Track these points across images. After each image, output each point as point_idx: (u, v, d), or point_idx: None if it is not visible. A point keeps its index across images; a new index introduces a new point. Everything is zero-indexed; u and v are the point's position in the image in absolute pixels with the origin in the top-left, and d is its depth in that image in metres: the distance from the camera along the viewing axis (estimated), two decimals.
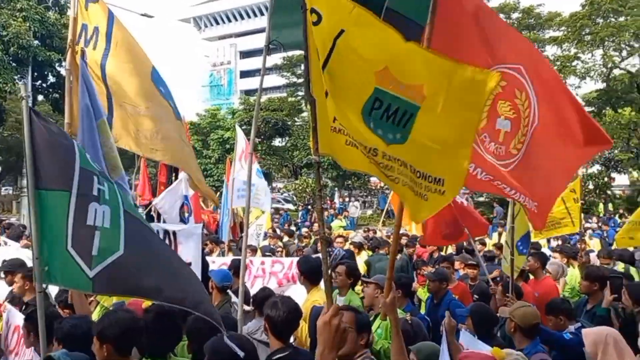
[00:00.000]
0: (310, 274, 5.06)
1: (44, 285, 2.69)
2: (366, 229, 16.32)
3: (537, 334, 4.24)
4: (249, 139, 8.16)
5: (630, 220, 8.87)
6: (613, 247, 9.91)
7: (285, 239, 13.38)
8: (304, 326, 4.33)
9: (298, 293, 5.36)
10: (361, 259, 9.26)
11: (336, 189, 33.92)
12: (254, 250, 9.76)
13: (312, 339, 3.58)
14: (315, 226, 16.32)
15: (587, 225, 16.38)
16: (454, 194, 2.95)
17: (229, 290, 5.35)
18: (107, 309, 4.11)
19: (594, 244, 13.71)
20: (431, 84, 2.73)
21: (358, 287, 5.74)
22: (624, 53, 25.74)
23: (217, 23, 71.26)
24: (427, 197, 2.85)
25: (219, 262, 6.90)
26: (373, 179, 37.73)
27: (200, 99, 62.95)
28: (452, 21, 3.31)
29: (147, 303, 3.52)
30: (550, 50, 28.28)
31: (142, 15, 23.10)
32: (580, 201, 8.71)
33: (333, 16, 2.63)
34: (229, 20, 69.97)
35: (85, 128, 3.75)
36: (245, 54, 66.59)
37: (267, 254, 9.77)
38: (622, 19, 25.12)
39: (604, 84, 26.09)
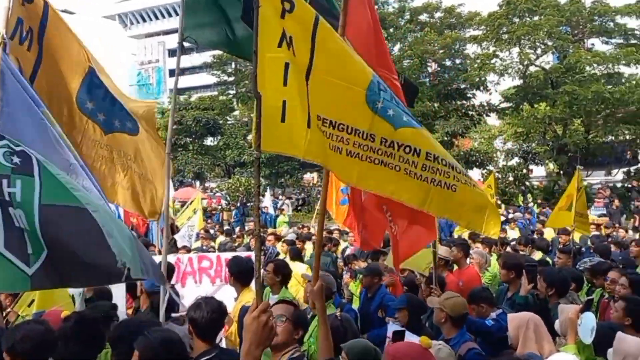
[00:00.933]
0: (240, 275, 5.06)
1: None
2: (300, 226, 16.44)
3: (465, 324, 4.45)
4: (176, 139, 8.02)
5: (557, 206, 9.52)
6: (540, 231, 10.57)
7: (222, 238, 13.25)
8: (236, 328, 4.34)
9: (230, 294, 5.36)
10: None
11: (269, 187, 33.84)
12: (188, 250, 9.65)
13: (241, 339, 3.61)
14: (251, 225, 16.24)
15: (510, 216, 17.30)
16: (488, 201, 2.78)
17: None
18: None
19: (515, 234, 14.43)
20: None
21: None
22: (539, 51, 27.14)
23: (144, 20, 69.15)
24: (456, 188, 2.68)
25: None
26: (306, 176, 37.96)
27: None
28: (361, 14, 3.43)
29: (65, 312, 3.45)
30: (471, 49, 29.48)
31: (63, 11, 22.04)
32: (495, 197, 9.26)
33: (303, 8, 2.61)
34: (156, 18, 68.10)
35: (29, 122, 3.46)
36: (174, 52, 64.78)
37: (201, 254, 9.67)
38: (536, 18, 26.40)
39: (521, 81, 27.40)
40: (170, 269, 6.15)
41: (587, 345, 3.45)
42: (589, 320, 3.48)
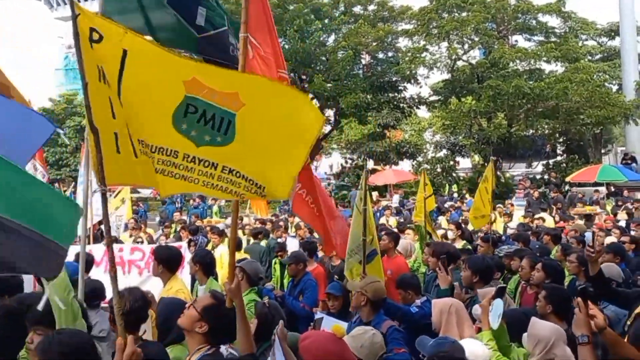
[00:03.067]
0: (167, 261, 5.00)
1: None
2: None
3: (382, 307, 4.61)
4: None
5: (474, 203, 9.83)
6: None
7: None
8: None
9: (158, 285, 5.27)
10: (224, 246, 9.30)
11: None
12: (116, 241, 9.38)
13: (159, 331, 3.55)
14: (177, 215, 15.97)
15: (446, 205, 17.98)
16: (274, 196, 3.17)
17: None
18: None
19: (440, 222, 14.95)
20: (247, 93, 2.89)
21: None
22: (466, 46, 28.07)
23: (65, 3, 65.73)
24: (244, 196, 3.10)
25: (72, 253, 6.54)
26: None
27: (54, 83, 57.70)
28: (261, 9, 3.48)
29: None
30: (403, 42, 30.07)
31: None
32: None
33: (112, 37, 2.63)
34: (84, 0, 64.97)
35: None
36: None
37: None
38: (464, 14, 27.27)
39: (449, 75, 28.28)
40: (89, 259, 5.98)
41: (501, 331, 3.66)
42: (497, 307, 3.69)
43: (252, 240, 10.74)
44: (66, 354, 2.43)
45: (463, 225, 10.85)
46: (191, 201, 21.81)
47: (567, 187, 22.96)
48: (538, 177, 27.64)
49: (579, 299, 3.18)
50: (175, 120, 2.88)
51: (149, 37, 3.50)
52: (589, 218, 14.51)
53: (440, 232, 11.35)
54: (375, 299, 4.53)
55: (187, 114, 2.89)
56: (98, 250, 6.67)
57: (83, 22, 2.54)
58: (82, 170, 9.92)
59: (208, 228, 11.20)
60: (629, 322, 3.92)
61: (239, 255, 7.30)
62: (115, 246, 7.31)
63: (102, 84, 2.65)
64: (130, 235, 11.60)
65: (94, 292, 4.54)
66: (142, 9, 3.91)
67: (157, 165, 2.98)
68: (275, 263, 8.52)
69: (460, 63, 28.05)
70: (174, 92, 2.85)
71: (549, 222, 13.50)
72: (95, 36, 2.58)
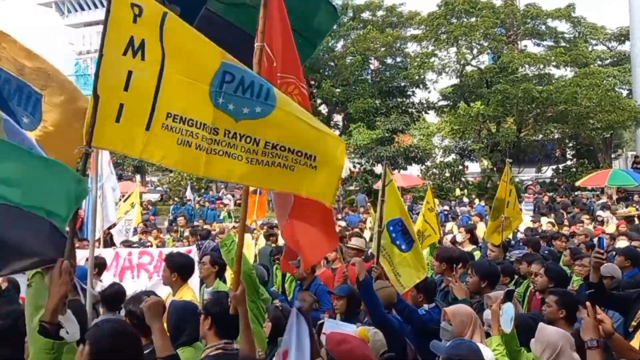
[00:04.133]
0: (180, 269, 4.96)
1: None
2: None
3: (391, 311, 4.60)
4: None
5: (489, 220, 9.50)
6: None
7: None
8: None
9: (166, 289, 5.28)
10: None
11: (213, 181, 33.39)
12: (129, 246, 9.47)
13: (171, 334, 3.57)
14: (181, 220, 15.97)
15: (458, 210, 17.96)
16: (330, 176, 3.07)
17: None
18: None
19: (450, 227, 14.89)
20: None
21: None
22: (475, 51, 28.06)
23: (82, 9, 66.13)
24: (294, 168, 2.99)
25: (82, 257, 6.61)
26: None
27: None
28: (277, 19, 3.49)
29: None
30: (411, 47, 30.11)
31: None
32: (435, 210, 9.43)
33: (151, 3, 2.82)
34: (95, 7, 65.22)
35: None
36: None
37: (136, 245, 9.54)
38: (473, 19, 27.28)
39: (458, 80, 28.24)
40: (100, 263, 6.01)
41: (512, 336, 3.64)
42: (509, 310, 3.68)
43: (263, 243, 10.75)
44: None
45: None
46: (197, 206, 21.89)
47: (576, 192, 22.84)
48: (547, 181, 27.49)
49: (588, 304, 3.18)
50: (212, 93, 2.88)
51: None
52: (630, 221, 14.11)
53: (449, 236, 11.32)
54: (386, 303, 4.54)
55: (223, 85, 2.87)
56: (107, 255, 6.72)
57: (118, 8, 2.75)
58: (91, 175, 10.02)
59: (219, 232, 11.19)
60: (634, 324, 3.89)
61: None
62: (124, 250, 7.40)
63: (126, 57, 2.78)
64: (140, 239, 11.65)
65: (117, 297, 4.57)
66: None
67: (198, 141, 2.92)
68: (276, 269, 8.39)
69: (469, 68, 28.03)
70: (211, 59, 2.88)
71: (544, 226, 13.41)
72: (136, 10, 2.76)
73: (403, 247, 5.70)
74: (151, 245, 10.57)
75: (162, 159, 2.98)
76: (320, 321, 4.33)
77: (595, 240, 9.25)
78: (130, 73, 2.81)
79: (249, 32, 3.83)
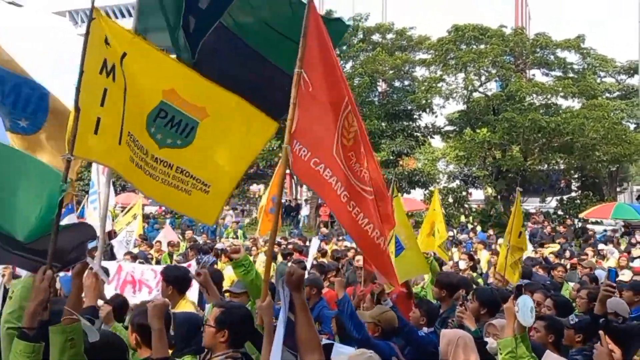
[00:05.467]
0: (176, 281, 4.93)
1: None
2: (251, 238, 16.28)
3: (393, 336, 4.52)
4: None
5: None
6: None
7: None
8: None
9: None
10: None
11: None
12: (134, 257, 9.51)
13: (176, 346, 3.54)
14: (189, 233, 15.97)
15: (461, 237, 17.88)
16: (216, 200, 3.74)
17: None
18: None
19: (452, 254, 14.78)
20: (213, 108, 3.55)
21: None
22: (483, 78, 28.19)
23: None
24: (190, 192, 3.63)
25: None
26: (252, 188, 37.71)
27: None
28: (319, 47, 3.55)
29: None
30: (420, 71, 30.26)
31: (9, 3, 21.26)
32: (441, 209, 9.47)
33: (116, 40, 3.21)
34: (108, 17, 66.25)
35: None
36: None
37: (141, 261, 9.51)
38: (482, 46, 27.47)
39: (465, 105, 28.32)
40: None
41: (524, 337, 3.56)
42: (526, 302, 3.57)
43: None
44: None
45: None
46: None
47: (579, 224, 22.70)
48: (551, 211, 27.38)
49: (602, 333, 3.16)
50: (147, 122, 3.42)
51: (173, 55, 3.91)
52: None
53: (451, 262, 11.25)
54: (388, 328, 4.49)
55: (157, 118, 3.43)
56: (111, 267, 6.71)
57: (98, 26, 3.13)
58: (99, 188, 9.99)
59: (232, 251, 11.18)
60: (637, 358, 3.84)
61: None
62: (128, 264, 7.41)
63: (102, 75, 3.13)
64: (140, 250, 11.62)
65: (121, 307, 4.56)
66: (170, 28, 4.00)
67: (135, 158, 3.43)
68: None
69: (476, 94, 28.13)
70: (153, 96, 3.40)
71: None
72: (109, 39, 3.16)
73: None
74: (152, 258, 10.55)
75: (123, 173, 3.44)
76: (325, 342, 4.26)
77: (599, 272, 9.19)
78: (105, 90, 3.15)
79: (258, 50, 4.01)
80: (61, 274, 5.63)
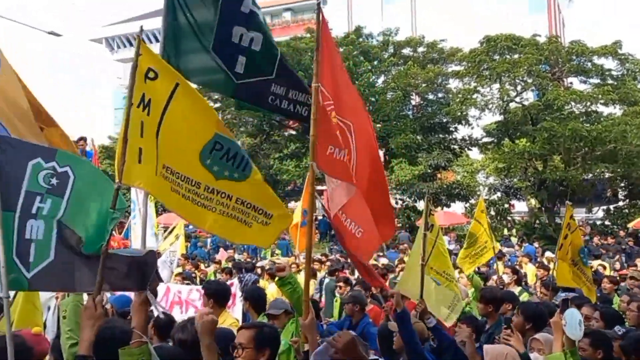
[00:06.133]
0: (215, 294, 5.08)
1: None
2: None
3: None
4: None
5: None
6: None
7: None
8: None
9: None
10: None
11: None
12: (183, 278, 9.76)
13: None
14: (230, 252, 16.18)
15: (505, 250, 17.55)
16: (276, 226, 3.82)
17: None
18: None
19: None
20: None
21: None
22: (519, 88, 27.75)
23: (131, 44, 69.18)
24: (251, 225, 3.71)
25: None
26: (291, 205, 37.95)
27: (113, 121, 60.64)
28: (331, 63, 3.71)
29: (36, 329, 3.62)
30: (453, 83, 30.00)
31: (49, 33, 22.16)
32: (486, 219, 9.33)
33: (168, 73, 3.31)
34: (149, 41, 68.35)
35: None
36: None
37: (186, 281, 9.71)
38: (516, 56, 27.08)
39: (502, 116, 27.91)
40: (153, 294, 6.17)
41: (574, 352, 3.48)
42: (574, 315, 3.50)
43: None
44: None
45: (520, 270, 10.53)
46: None
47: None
48: (599, 222, 26.56)
49: None
50: (202, 155, 3.51)
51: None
52: None
53: (495, 276, 11.04)
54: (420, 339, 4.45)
55: (213, 151, 3.51)
56: (159, 289, 6.89)
57: (144, 60, 3.20)
58: (137, 208, 10.29)
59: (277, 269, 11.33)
60: None
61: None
62: (176, 286, 7.61)
63: (139, 109, 3.25)
64: (184, 270, 11.84)
65: (169, 326, 4.66)
66: (198, 51, 4.14)
67: (181, 190, 3.52)
68: (336, 300, 8.44)
69: (512, 104, 27.70)
70: (207, 130, 3.49)
71: (608, 271, 12.91)
72: (152, 74, 3.23)
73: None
74: (196, 277, 10.73)
75: (164, 201, 3.57)
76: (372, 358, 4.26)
77: None
78: (142, 123, 3.29)
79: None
80: (107, 294, 5.83)
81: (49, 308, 5.58)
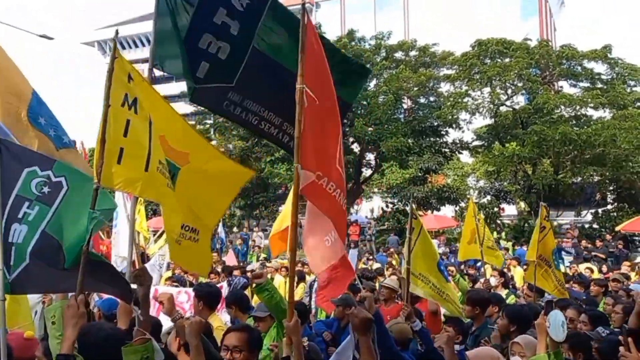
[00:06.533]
0: (207, 297, 5.12)
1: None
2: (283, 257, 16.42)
3: (407, 349, 4.52)
4: None
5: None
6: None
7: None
8: None
9: None
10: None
11: (244, 218, 33.73)
12: (174, 281, 9.73)
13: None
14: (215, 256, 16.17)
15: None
16: (204, 248, 3.88)
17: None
18: None
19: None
20: (195, 155, 3.76)
21: None
22: (509, 91, 27.94)
23: (123, 48, 68.95)
24: (181, 242, 3.73)
25: None
26: (281, 209, 37.97)
27: None
28: (315, 59, 3.68)
29: (29, 333, 3.72)
30: (445, 87, 30.15)
31: (41, 36, 22.05)
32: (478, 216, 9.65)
33: (136, 80, 3.40)
34: (136, 46, 67.91)
35: None
36: (155, 81, 64.76)
37: (175, 284, 9.68)
38: (507, 60, 27.27)
39: (492, 120, 28.06)
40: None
41: (557, 354, 3.51)
42: (557, 317, 3.54)
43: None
44: None
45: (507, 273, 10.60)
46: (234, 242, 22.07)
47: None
48: (587, 225, 26.73)
49: (630, 340, 3.13)
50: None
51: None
52: None
53: (482, 279, 11.11)
54: (399, 339, 4.46)
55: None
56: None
57: (120, 62, 3.29)
58: (128, 212, 10.18)
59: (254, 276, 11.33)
60: None
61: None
62: (163, 288, 7.58)
63: (124, 108, 3.29)
64: (173, 274, 11.78)
65: (155, 327, 4.67)
66: (182, 55, 4.19)
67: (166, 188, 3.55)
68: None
69: (503, 108, 27.86)
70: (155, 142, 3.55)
71: (596, 274, 13.02)
72: (132, 75, 3.36)
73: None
74: (185, 281, 10.71)
75: (155, 198, 3.57)
76: None
77: (634, 286, 8.94)
78: (128, 122, 3.31)
79: (290, 69, 4.11)
80: (95, 297, 5.83)
81: (36, 312, 5.55)
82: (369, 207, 40.56)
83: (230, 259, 15.23)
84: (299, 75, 3.47)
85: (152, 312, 6.59)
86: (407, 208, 27.38)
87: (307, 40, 3.57)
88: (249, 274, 11.04)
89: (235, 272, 11.30)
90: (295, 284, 3.60)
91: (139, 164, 3.39)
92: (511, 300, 8.35)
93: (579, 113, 26.88)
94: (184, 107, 43.17)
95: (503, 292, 8.84)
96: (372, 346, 3.02)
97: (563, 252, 18.31)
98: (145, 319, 3.24)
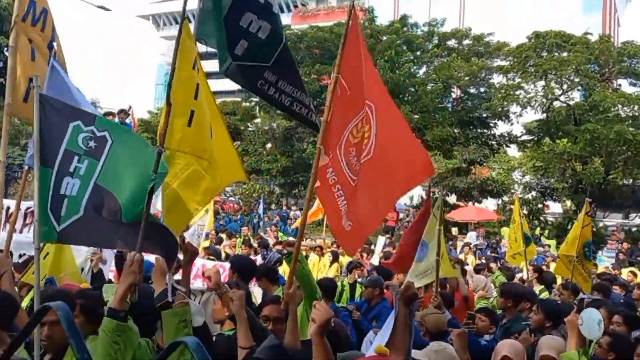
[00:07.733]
0: (241, 271, 5.24)
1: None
2: (311, 238, 16.57)
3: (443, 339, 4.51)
4: None
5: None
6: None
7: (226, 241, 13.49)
8: None
9: None
10: None
11: (283, 196, 34.02)
12: (211, 253, 9.94)
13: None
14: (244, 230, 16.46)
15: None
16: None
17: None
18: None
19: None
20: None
21: None
22: (565, 86, 27.02)
23: (177, 22, 69.97)
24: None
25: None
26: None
27: (154, 96, 61.85)
28: (356, 53, 3.79)
29: (85, 284, 3.69)
30: (497, 78, 29.39)
31: (99, 7, 22.67)
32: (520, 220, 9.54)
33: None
34: (189, 21, 69.02)
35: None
36: (203, 56, 65.66)
37: (211, 257, 9.88)
38: (565, 54, 26.37)
39: (544, 115, 27.26)
40: (179, 265, 6.35)
41: (585, 352, 3.48)
42: (592, 315, 3.50)
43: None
44: None
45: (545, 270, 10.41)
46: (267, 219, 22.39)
47: None
48: (634, 229, 25.80)
49: None
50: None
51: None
52: None
53: (519, 275, 10.97)
54: (434, 329, 4.46)
55: None
56: None
57: (187, 28, 3.30)
58: None
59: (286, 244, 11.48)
60: None
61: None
62: (200, 260, 7.79)
63: (195, 71, 3.29)
64: (211, 243, 12.08)
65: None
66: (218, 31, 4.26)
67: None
68: (344, 284, 8.48)
69: (556, 103, 27.01)
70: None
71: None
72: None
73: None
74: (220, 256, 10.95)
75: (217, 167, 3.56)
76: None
77: None
78: (197, 85, 3.30)
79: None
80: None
81: (82, 269, 5.74)
82: (409, 195, 40.24)
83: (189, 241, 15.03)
84: (336, 65, 3.64)
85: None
86: (447, 199, 27.09)
87: (350, 35, 3.71)
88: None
89: (278, 247, 11.49)
90: (308, 258, 3.70)
91: (206, 129, 3.37)
92: (544, 296, 8.21)
93: (636, 113, 25.79)
94: (228, 84, 43.84)
95: (537, 288, 8.71)
96: (410, 321, 3.05)
97: (604, 254, 17.81)
98: (186, 285, 3.38)
